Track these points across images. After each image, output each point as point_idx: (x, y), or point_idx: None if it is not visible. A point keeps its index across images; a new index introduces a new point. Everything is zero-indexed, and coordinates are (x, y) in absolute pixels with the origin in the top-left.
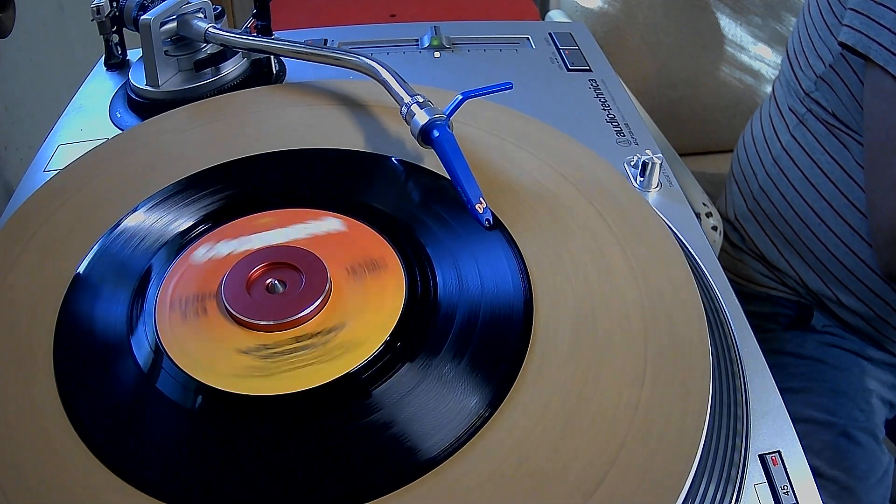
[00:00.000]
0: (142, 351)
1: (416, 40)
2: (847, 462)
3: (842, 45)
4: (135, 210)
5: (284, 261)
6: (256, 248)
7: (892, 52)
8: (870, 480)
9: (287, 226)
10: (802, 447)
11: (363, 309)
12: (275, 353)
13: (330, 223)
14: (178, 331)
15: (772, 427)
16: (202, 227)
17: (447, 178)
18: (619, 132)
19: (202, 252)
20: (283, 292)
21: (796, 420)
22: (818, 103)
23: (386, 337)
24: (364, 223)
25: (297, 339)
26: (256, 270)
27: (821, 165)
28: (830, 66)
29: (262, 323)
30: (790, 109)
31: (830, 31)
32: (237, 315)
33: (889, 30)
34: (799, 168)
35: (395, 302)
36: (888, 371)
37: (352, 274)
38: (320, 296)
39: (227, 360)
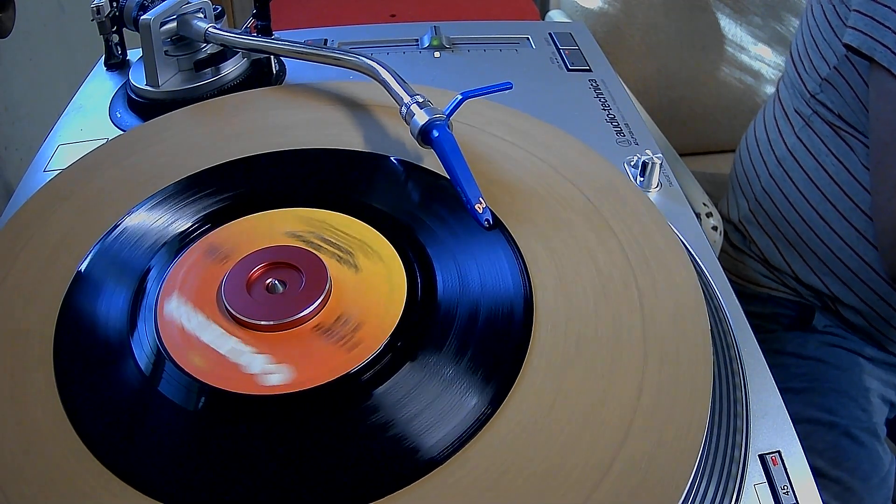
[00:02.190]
0: (142, 351)
1: (416, 40)
2: (850, 462)
3: (846, 46)
4: (135, 210)
5: (284, 261)
6: (256, 248)
7: None
8: (872, 480)
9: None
10: (804, 448)
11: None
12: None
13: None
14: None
15: (772, 427)
16: (202, 228)
17: (447, 178)
18: (619, 132)
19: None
20: (284, 292)
21: (798, 420)
22: (824, 105)
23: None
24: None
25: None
26: (256, 270)
27: (826, 167)
28: (835, 67)
29: (263, 323)
30: (796, 111)
31: (835, 32)
32: (237, 315)
33: (893, 31)
34: (804, 170)
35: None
36: (889, 370)
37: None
38: (320, 295)
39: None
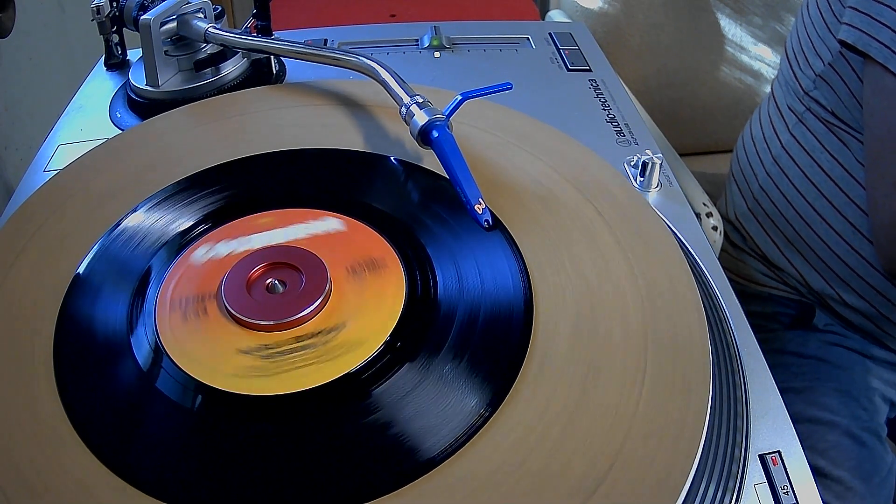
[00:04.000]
0: (142, 351)
1: (416, 40)
2: (851, 462)
3: (841, 43)
4: (135, 210)
5: (284, 261)
6: (256, 248)
7: (892, 50)
8: (874, 480)
9: (286, 226)
10: (805, 447)
11: (363, 309)
12: (275, 353)
13: (329, 223)
14: (178, 331)
15: (772, 427)
16: (202, 227)
17: (447, 178)
18: (619, 132)
19: (202, 252)
20: (284, 292)
21: (799, 420)
22: (817, 102)
23: (386, 337)
24: (364, 223)
25: (298, 338)
26: (256, 270)
27: (821, 164)
28: (830, 64)
29: (263, 323)
30: (789, 108)
31: (829, 29)
32: (237, 315)
33: (889, 27)
34: (799, 167)
35: (396, 302)
36: (890, 369)
37: (352, 274)
38: (320, 296)
39: (227, 360)
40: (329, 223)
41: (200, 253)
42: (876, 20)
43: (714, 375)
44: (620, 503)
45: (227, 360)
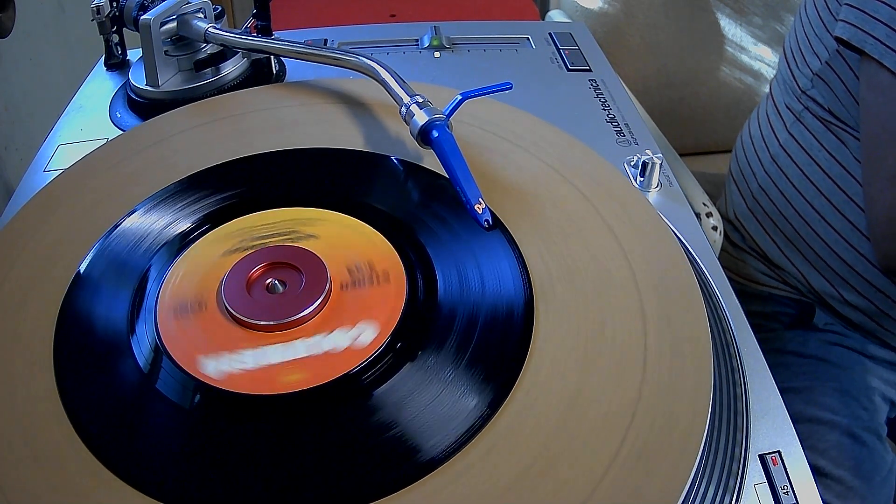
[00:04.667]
0: (142, 351)
1: (416, 40)
2: (852, 461)
3: (837, 39)
4: (135, 210)
5: (284, 261)
6: (256, 248)
7: (888, 46)
8: (874, 480)
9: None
10: (806, 447)
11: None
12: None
13: (328, 222)
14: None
15: (772, 427)
16: (202, 228)
17: (447, 178)
18: (619, 132)
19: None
20: (284, 292)
21: (800, 420)
22: (815, 100)
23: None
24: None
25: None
26: (256, 270)
27: (819, 162)
28: (826, 62)
29: (263, 323)
30: (787, 107)
31: (826, 27)
32: (237, 315)
33: (884, 23)
34: (797, 165)
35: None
36: (890, 369)
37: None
38: (321, 295)
39: (230, 360)
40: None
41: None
42: (871, 16)
43: (714, 375)
44: (620, 503)
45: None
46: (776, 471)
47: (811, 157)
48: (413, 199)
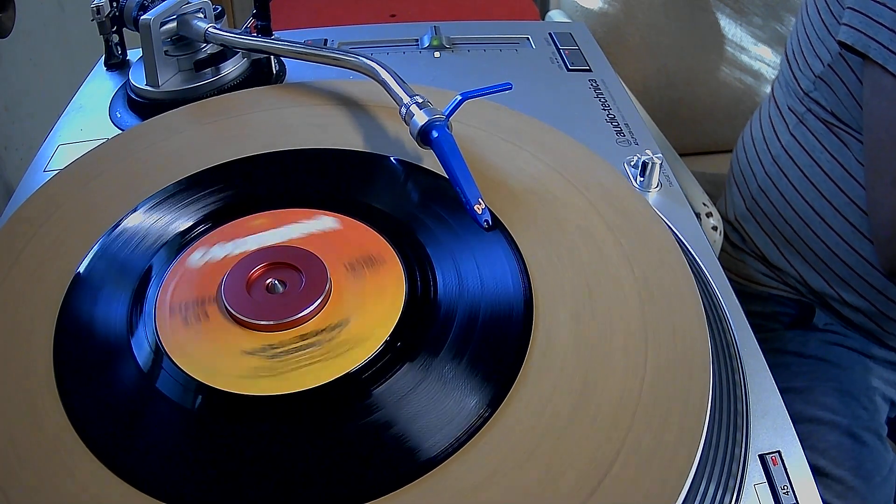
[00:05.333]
0: (142, 352)
1: (416, 40)
2: (852, 461)
3: (840, 44)
4: (135, 210)
5: (284, 261)
6: (256, 248)
7: (891, 50)
8: (875, 480)
9: (284, 225)
10: (806, 447)
11: (364, 306)
12: (281, 352)
13: (325, 222)
14: (178, 331)
15: (772, 427)
16: (202, 228)
17: (447, 178)
18: (619, 132)
19: (202, 253)
20: (284, 292)
21: (800, 420)
22: (817, 103)
23: (386, 337)
24: (364, 223)
25: (303, 336)
26: (256, 271)
27: (820, 164)
28: (829, 65)
29: (263, 323)
30: (789, 109)
31: (829, 30)
32: (238, 316)
33: (888, 28)
34: (798, 167)
35: (395, 302)
36: (890, 369)
37: (351, 272)
38: (321, 295)
39: (232, 361)
40: (325, 222)
41: (200, 253)
42: (874, 21)
43: (714, 375)
44: (621, 503)
45: (232, 361)
46: (776, 471)
47: (813, 158)
48: (413, 200)
